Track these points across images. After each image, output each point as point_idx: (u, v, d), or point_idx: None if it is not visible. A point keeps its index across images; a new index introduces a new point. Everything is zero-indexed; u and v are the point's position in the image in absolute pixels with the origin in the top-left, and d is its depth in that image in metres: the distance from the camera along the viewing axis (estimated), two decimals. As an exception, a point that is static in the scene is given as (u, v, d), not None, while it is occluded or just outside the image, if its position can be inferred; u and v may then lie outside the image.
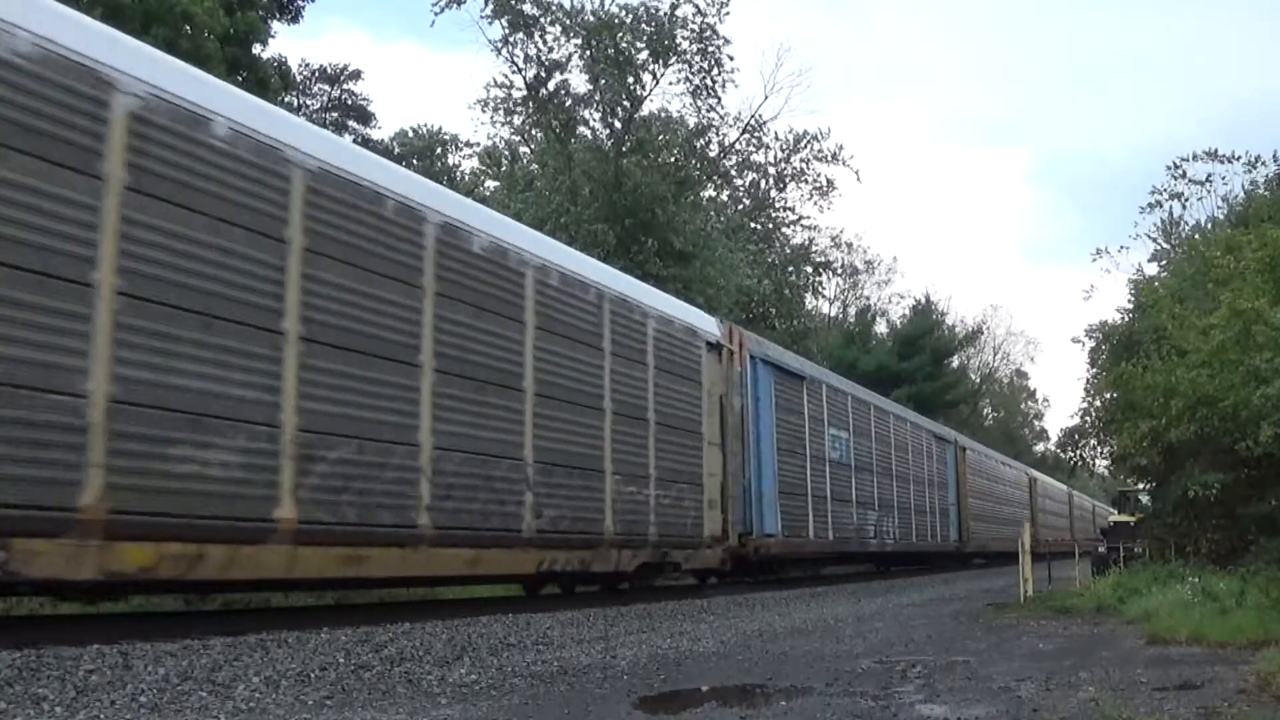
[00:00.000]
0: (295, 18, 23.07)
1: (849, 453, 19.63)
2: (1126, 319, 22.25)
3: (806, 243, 39.80)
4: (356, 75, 30.21)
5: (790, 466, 16.66)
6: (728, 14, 26.38)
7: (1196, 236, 24.00)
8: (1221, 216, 25.27)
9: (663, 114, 28.97)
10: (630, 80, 26.35)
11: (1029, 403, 77.60)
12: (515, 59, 26.58)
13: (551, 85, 26.98)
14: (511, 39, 26.13)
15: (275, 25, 22.31)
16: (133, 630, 6.60)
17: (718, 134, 30.86)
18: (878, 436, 21.67)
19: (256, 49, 20.31)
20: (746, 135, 32.85)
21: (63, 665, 5.33)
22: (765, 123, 33.05)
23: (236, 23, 17.87)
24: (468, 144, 38.34)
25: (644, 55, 26.34)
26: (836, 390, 19.76)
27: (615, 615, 10.21)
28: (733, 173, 34.50)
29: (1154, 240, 26.95)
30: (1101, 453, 20.59)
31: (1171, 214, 26.52)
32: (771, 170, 34.97)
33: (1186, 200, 26.04)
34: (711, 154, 31.28)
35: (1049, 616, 11.64)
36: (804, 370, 18.19)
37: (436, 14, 25.75)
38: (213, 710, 4.96)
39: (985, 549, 31.52)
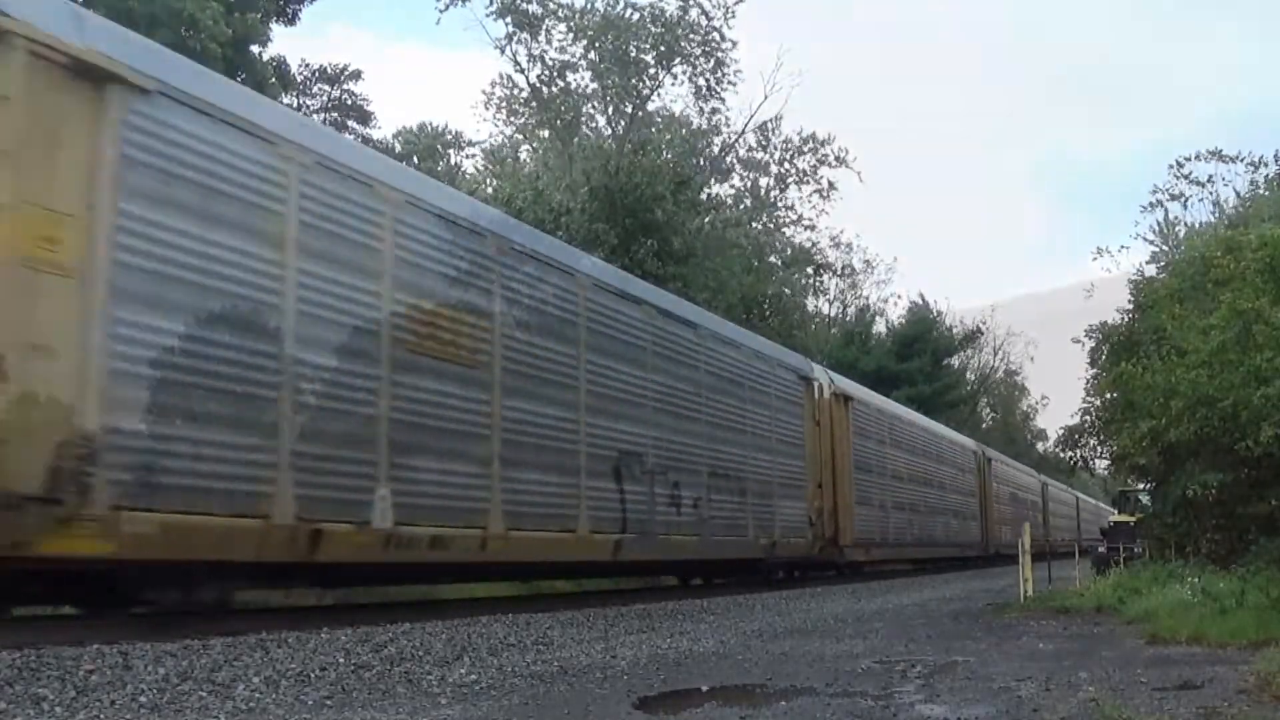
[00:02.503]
0: (292, 20, 23.12)
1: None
2: (1127, 319, 22.21)
3: (809, 245, 39.78)
4: (356, 75, 30.18)
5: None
6: (733, 18, 26.37)
7: (1195, 239, 23.97)
8: (1215, 219, 25.29)
9: (663, 115, 28.95)
10: (634, 80, 26.34)
11: (1028, 401, 77.57)
12: (518, 58, 26.60)
13: (556, 86, 26.98)
14: (516, 38, 26.16)
15: (275, 28, 22.34)
16: (133, 630, 6.61)
17: (717, 134, 30.85)
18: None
19: (255, 49, 20.36)
20: (750, 136, 32.87)
21: (63, 665, 5.33)
22: (767, 123, 33.07)
23: (234, 23, 17.91)
24: (470, 143, 38.30)
25: (649, 56, 26.32)
26: None
27: (615, 615, 10.22)
28: (734, 172, 34.48)
29: (1150, 242, 26.96)
30: (1101, 453, 20.58)
31: (1168, 215, 26.52)
32: (774, 170, 34.97)
33: (1187, 201, 26.00)
34: (714, 153, 31.24)
35: (1049, 616, 11.63)
36: None
37: (441, 11, 25.86)
38: (213, 710, 4.96)
39: (653, 557, 13.08)
